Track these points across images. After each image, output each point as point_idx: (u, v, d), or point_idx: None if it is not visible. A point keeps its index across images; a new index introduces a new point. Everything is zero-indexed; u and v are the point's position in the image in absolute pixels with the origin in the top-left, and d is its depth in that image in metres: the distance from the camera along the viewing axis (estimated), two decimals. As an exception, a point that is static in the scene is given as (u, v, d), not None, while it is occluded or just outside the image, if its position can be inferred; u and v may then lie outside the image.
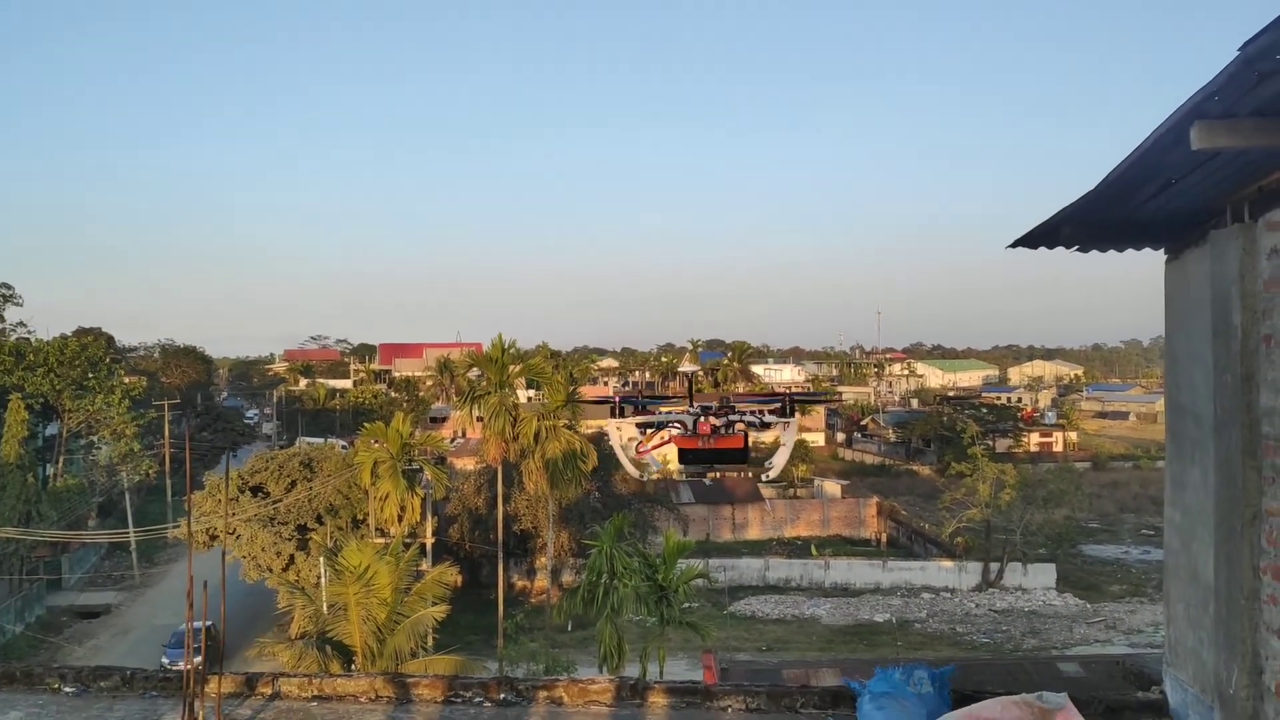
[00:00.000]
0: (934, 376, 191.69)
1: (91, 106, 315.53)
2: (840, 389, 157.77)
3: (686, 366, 19.95)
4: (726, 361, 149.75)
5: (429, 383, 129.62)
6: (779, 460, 19.18)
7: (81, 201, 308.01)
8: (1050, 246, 8.42)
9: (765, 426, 18.88)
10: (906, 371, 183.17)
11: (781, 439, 18.81)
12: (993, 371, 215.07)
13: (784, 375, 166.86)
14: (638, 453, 19.19)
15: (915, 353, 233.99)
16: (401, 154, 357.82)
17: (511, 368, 51.95)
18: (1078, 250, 8.57)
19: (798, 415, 18.69)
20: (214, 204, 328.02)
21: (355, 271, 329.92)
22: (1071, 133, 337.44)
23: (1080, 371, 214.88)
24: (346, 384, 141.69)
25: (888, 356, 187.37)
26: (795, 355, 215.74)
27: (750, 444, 19.05)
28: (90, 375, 67.40)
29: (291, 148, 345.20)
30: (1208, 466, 7.42)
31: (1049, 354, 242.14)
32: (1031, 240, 8.29)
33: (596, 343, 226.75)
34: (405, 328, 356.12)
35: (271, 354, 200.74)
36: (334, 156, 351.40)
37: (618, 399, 18.70)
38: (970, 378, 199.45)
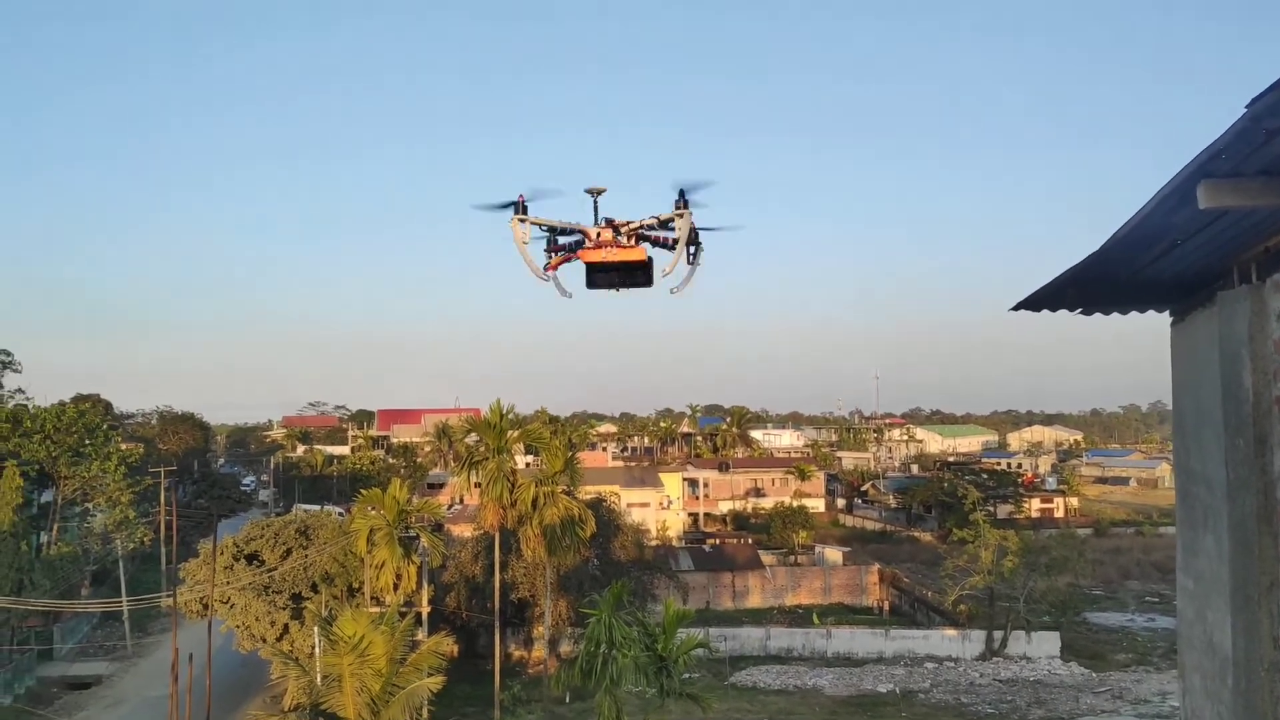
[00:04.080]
0: (933, 442, 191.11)
1: (90, 170, 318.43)
2: (840, 454, 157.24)
3: (593, 187, 18.49)
4: (725, 427, 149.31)
5: (427, 449, 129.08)
6: (675, 262, 18.37)
7: (83, 267, 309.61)
8: (1054, 309, 8.35)
9: (667, 231, 18.29)
10: (906, 437, 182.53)
11: (676, 230, 18.13)
12: (992, 436, 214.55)
13: (783, 440, 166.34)
14: (546, 270, 18.54)
15: (914, 417, 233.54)
16: (400, 218, 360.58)
17: (510, 433, 51.71)
18: (1081, 313, 8.51)
19: (689, 212, 17.94)
20: (214, 270, 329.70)
21: (355, 337, 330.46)
22: (1069, 195, 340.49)
23: (1080, 437, 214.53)
24: (344, 450, 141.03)
25: (886, 422, 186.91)
26: (794, 420, 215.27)
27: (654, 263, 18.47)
28: (87, 442, 67.10)
29: (289, 214, 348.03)
30: (1221, 533, 7.24)
31: (1048, 419, 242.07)
32: (1035, 303, 8.22)
33: (595, 408, 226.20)
34: (404, 393, 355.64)
35: (270, 420, 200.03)
36: (334, 223, 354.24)
37: (521, 197, 17.87)
38: (970, 443, 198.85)
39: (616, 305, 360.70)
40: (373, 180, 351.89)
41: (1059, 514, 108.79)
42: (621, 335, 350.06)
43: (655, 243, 18.46)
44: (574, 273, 18.91)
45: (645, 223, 18.13)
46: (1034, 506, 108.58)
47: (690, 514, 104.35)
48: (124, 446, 77.03)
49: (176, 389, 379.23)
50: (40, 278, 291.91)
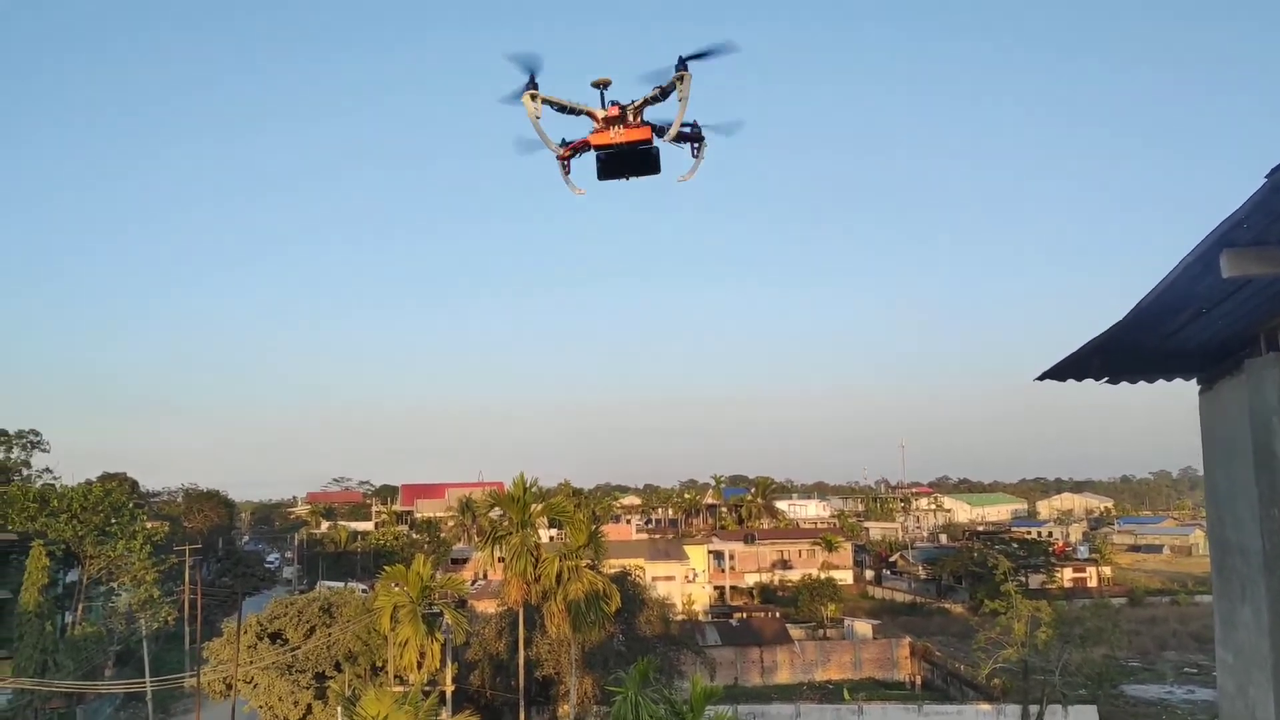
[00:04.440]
0: (961, 511, 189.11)
1: (115, 251, 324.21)
2: (867, 525, 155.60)
3: (598, 79, 18.53)
4: (750, 498, 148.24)
5: (450, 523, 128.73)
6: (675, 126, 18.87)
7: (108, 346, 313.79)
8: (1079, 379, 8.29)
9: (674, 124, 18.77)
10: (933, 506, 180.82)
11: (678, 93, 18.40)
12: (1021, 505, 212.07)
13: (809, 511, 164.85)
14: (560, 159, 19.31)
15: (941, 486, 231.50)
16: (421, 293, 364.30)
17: (533, 507, 51.49)
18: (1108, 382, 8.44)
19: (689, 74, 18.24)
20: (239, 347, 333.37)
21: (378, 412, 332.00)
22: (1097, 264, 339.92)
23: (1110, 504, 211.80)
24: (368, 526, 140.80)
25: (913, 491, 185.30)
26: (819, 490, 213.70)
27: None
28: (113, 521, 67.25)
29: (312, 290, 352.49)
30: (1260, 605, 7.09)
31: (1077, 486, 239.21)
32: (1060, 372, 8.17)
33: (619, 480, 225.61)
34: (427, 468, 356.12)
35: (294, 497, 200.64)
36: (356, 299, 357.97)
37: (532, 76, 18.47)
38: (999, 511, 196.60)
39: (641, 379, 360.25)
40: (393, 255, 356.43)
41: (1092, 583, 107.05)
42: (644, 406, 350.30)
43: (660, 133, 19.02)
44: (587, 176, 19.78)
45: (650, 96, 18.65)
46: (1066, 576, 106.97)
47: (716, 587, 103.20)
48: (149, 525, 77.16)
49: (202, 466, 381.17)
50: (67, 358, 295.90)
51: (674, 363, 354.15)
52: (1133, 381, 8.45)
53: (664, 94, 18.64)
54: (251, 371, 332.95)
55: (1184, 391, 8.50)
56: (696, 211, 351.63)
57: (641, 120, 18.93)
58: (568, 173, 19.65)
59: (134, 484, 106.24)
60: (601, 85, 18.89)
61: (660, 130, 19.10)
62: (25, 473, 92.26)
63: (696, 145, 19.52)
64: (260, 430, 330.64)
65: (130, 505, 72.91)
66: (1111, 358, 7.89)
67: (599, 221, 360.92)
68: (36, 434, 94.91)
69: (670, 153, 19.41)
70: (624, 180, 19.56)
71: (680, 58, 18.30)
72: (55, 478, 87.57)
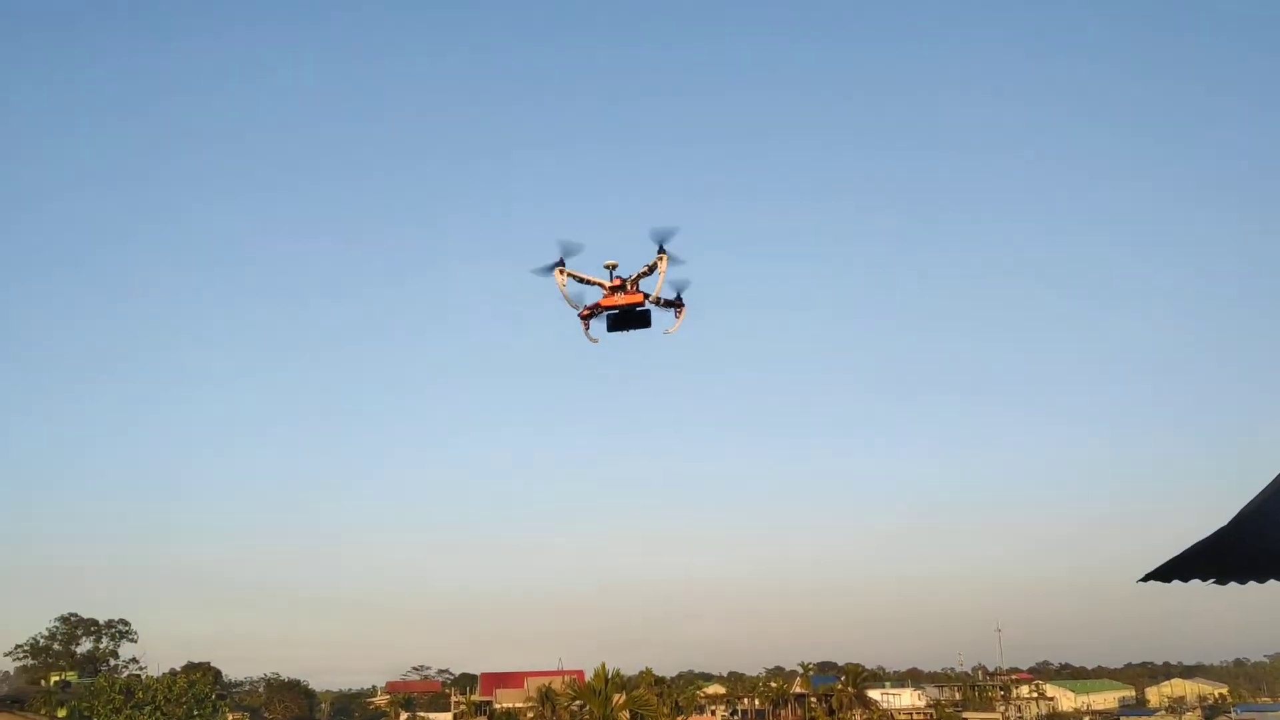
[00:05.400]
0: (1065, 699, 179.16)
1: (193, 426, 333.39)
2: (965, 715, 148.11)
3: (608, 262, 26.96)
4: (840, 686, 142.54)
5: (530, 715, 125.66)
6: (658, 288, 25.68)
7: (200, 533, 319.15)
8: (1185, 579, 8.05)
9: (656, 289, 25.75)
10: (1035, 694, 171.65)
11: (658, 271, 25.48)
12: (1129, 692, 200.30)
13: (903, 700, 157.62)
14: (581, 317, 25.89)
15: (1042, 672, 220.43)
16: (496, 477, 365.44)
17: (615, 698, 50.25)
18: (1215, 583, 8.19)
19: (665, 256, 25.32)
20: (323, 537, 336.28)
21: (457, 597, 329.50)
22: (1198, 448, 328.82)
23: (1225, 690, 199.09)
24: (446, 717, 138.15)
25: (1013, 678, 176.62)
26: (913, 677, 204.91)
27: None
28: (195, 713, 67.18)
29: (389, 478, 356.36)
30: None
31: (1187, 671, 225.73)
32: (1164, 574, 7.95)
33: (702, 666, 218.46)
34: (507, 654, 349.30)
35: (374, 686, 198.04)
36: (434, 482, 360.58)
37: (561, 257, 25.56)
38: (1105, 699, 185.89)
39: (723, 562, 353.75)
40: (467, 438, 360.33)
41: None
42: (726, 590, 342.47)
43: (650, 299, 25.72)
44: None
45: (642, 272, 25.60)
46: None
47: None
48: (230, 717, 76.75)
49: (283, 653, 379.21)
50: (158, 550, 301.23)
51: (758, 546, 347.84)
52: (1241, 582, 8.17)
53: (651, 270, 25.51)
54: (335, 558, 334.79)
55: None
56: (787, 380, 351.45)
57: (637, 289, 25.62)
58: (587, 328, 26.12)
59: (217, 674, 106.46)
60: (611, 267, 25.64)
61: (656, 301, 25.84)
62: (113, 662, 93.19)
63: (677, 309, 26.16)
64: (343, 616, 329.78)
65: (213, 697, 72.95)
66: (1216, 560, 7.68)
67: (684, 395, 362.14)
68: (126, 624, 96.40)
69: (659, 313, 26.29)
70: (625, 332, 25.92)
71: (660, 244, 25.43)
72: (141, 668, 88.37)
